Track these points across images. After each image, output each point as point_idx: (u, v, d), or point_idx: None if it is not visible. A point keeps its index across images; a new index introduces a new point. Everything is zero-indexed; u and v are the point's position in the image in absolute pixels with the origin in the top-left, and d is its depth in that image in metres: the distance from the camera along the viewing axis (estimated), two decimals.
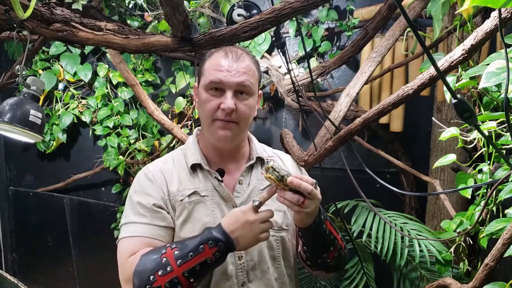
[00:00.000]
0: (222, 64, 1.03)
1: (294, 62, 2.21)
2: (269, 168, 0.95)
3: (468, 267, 1.42)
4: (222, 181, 1.08)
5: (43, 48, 2.60)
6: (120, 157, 2.65)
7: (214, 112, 1.03)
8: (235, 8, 1.93)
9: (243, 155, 1.15)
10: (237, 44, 1.19)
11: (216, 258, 0.93)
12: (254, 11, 1.98)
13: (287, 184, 0.93)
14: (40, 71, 2.75)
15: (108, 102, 2.75)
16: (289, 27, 2.25)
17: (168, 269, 0.91)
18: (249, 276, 1.06)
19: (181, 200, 1.05)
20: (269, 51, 2.30)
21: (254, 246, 1.06)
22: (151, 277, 0.92)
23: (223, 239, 0.92)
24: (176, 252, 0.93)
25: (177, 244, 0.95)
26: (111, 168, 2.64)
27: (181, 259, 0.92)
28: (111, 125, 2.68)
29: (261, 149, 1.19)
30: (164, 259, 0.93)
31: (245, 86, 1.03)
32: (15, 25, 1.16)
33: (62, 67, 2.74)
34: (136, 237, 1.02)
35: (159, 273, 0.92)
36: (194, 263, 0.92)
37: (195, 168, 1.10)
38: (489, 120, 1.04)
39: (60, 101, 2.80)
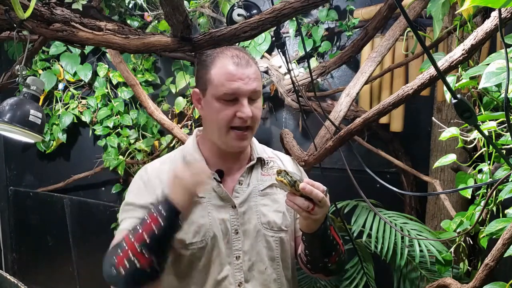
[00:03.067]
0: (234, 73, 1.00)
1: (294, 62, 2.21)
2: (282, 171, 0.94)
3: (468, 267, 1.42)
4: (221, 182, 1.08)
5: (43, 48, 2.60)
6: (120, 157, 2.65)
7: (231, 121, 1.02)
8: (235, 8, 1.93)
9: (245, 156, 1.15)
10: (235, 44, 1.18)
11: (161, 224, 0.90)
12: (254, 11, 1.98)
13: (298, 189, 0.92)
14: (40, 71, 2.75)
15: (108, 102, 2.75)
16: (289, 27, 2.25)
17: (124, 246, 0.92)
18: (246, 276, 1.06)
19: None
20: (269, 51, 2.30)
21: (254, 244, 1.07)
22: (113, 258, 0.93)
23: (162, 201, 0.91)
24: (130, 231, 0.94)
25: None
26: (111, 168, 2.64)
27: (131, 234, 0.92)
28: (111, 125, 2.68)
29: (261, 149, 1.19)
30: (122, 240, 0.94)
31: (257, 92, 1.03)
32: (15, 25, 1.16)
33: (62, 67, 2.74)
34: (123, 230, 1.03)
35: (119, 251, 0.92)
36: (143, 234, 0.90)
37: None
38: (489, 120, 1.04)
39: (60, 101, 2.80)
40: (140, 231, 0.91)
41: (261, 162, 1.16)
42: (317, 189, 0.92)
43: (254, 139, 1.19)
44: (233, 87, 1.00)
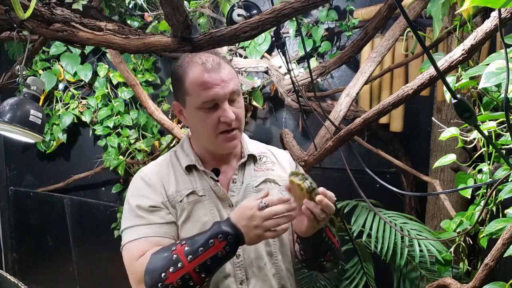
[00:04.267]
0: (208, 80, 0.99)
1: (294, 62, 2.21)
2: (302, 175, 0.94)
3: (468, 267, 1.42)
4: (218, 181, 1.09)
5: (43, 48, 2.60)
6: (120, 157, 2.65)
7: (216, 127, 1.02)
8: (235, 8, 1.93)
9: (236, 153, 1.15)
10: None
11: (227, 251, 0.91)
12: (254, 11, 1.98)
13: (313, 197, 0.92)
14: (40, 71, 2.75)
15: (108, 102, 2.75)
16: (289, 27, 2.25)
17: (179, 265, 0.91)
18: (247, 273, 1.07)
19: (181, 201, 1.06)
20: (269, 51, 2.30)
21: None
22: (163, 274, 0.91)
23: (232, 232, 0.91)
24: (186, 248, 0.92)
25: (187, 240, 0.95)
26: (111, 168, 2.64)
27: (191, 254, 0.91)
28: (111, 125, 2.68)
29: (253, 146, 1.19)
30: (174, 255, 0.92)
31: (235, 92, 1.03)
32: (15, 25, 1.16)
33: (62, 67, 2.74)
34: (141, 238, 1.01)
35: (170, 270, 0.91)
36: (205, 258, 0.91)
37: (190, 168, 1.10)
38: (489, 120, 1.04)
39: (60, 101, 2.80)
40: (202, 254, 0.91)
41: (253, 158, 1.16)
42: (330, 199, 0.93)
43: (244, 136, 1.19)
44: (210, 95, 0.99)
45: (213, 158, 1.12)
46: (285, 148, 1.52)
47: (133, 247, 1.01)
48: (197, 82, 1.00)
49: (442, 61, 1.00)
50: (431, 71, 1.03)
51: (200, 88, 1.00)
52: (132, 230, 1.03)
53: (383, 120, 2.01)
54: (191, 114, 1.05)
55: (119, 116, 2.70)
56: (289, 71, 1.42)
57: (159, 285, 0.91)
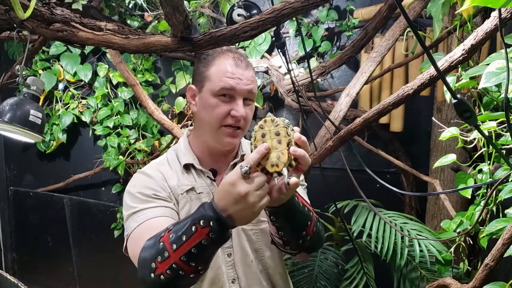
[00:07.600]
0: (234, 72, 1.03)
1: (294, 62, 2.21)
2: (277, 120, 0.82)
3: (468, 267, 1.42)
4: (214, 180, 1.09)
5: (43, 48, 2.60)
6: (120, 157, 2.65)
7: (223, 118, 1.03)
8: (235, 8, 1.93)
9: (233, 155, 1.15)
10: (233, 47, 1.19)
11: (213, 238, 0.81)
12: (254, 11, 1.98)
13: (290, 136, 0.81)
14: (40, 71, 2.75)
15: (108, 102, 2.75)
16: (289, 27, 2.25)
17: (166, 254, 0.85)
18: (238, 272, 1.08)
19: (182, 194, 1.06)
20: (269, 51, 2.30)
21: (237, 239, 1.08)
22: (152, 264, 0.87)
23: (214, 217, 0.81)
24: (171, 235, 0.85)
25: (173, 225, 0.88)
26: (111, 168, 2.64)
27: (175, 243, 0.84)
28: (111, 125, 2.68)
29: (247, 146, 1.18)
30: (161, 244, 0.86)
31: (253, 94, 1.06)
32: (15, 25, 1.16)
33: (62, 67, 2.74)
34: (145, 222, 0.98)
35: (158, 259, 0.86)
36: (189, 246, 0.82)
37: (188, 167, 1.10)
38: (489, 120, 1.04)
39: (60, 101, 2.80)
40: (185, 243, 0.82)
41: None
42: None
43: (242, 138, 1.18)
44: (231, 83, 1.02)
45: (211, 157, 1.12)
46: None
47: (137, 235, 0.98)
48: (223, 69, 1.04)
49: (442, 61, 1.00)
50: (431, 71, 1.03)
51: (223, 75, 1.03)
52: (136, 215, 1.00)
53: (383, 120, 2.01)
54: (204, 99, 1.06)
55: (119, 116, 2.70)
56: (289, 71, 1.42)
57: (151, 275, 0.87)
